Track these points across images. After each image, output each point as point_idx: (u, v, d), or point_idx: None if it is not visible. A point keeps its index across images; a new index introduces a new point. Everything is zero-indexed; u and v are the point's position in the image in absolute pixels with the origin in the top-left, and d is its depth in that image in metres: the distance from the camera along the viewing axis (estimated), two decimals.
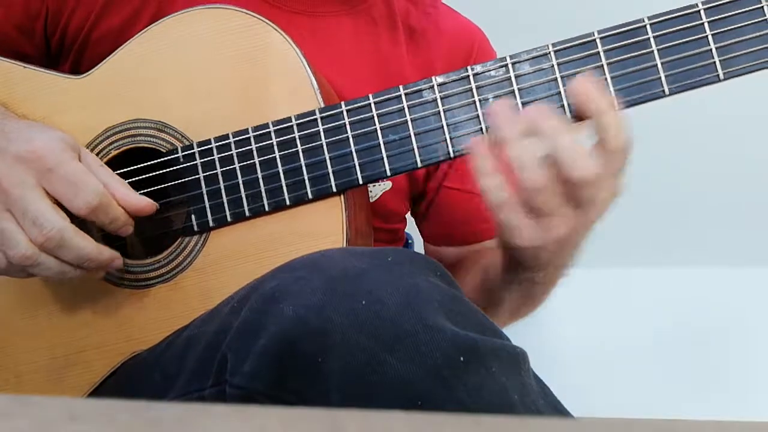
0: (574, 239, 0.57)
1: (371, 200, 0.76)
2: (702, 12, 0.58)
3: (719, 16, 0.58)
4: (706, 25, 0.58)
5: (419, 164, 0.62)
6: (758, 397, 1.32)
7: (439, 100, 0.61)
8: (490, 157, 0.55)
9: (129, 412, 0.30)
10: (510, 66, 0.60)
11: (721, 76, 0.57)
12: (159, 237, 0.69)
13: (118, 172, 0.66)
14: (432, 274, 0.52)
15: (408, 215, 0.85)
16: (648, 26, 0.58)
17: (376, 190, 0.76)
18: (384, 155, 0.62)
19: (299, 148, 0.63)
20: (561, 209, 0.54)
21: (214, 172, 0.64)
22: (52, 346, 0.66)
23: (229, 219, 0.64)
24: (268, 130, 0.64)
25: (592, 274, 1.34)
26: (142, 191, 0.66)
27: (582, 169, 0.53)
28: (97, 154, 0.67)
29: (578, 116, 0.57)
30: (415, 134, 0.61)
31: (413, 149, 0.61)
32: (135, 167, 0.66)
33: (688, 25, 0.58)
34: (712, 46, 0.57)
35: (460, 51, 0.80)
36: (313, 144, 0.63)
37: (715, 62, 0.57)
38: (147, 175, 0.66)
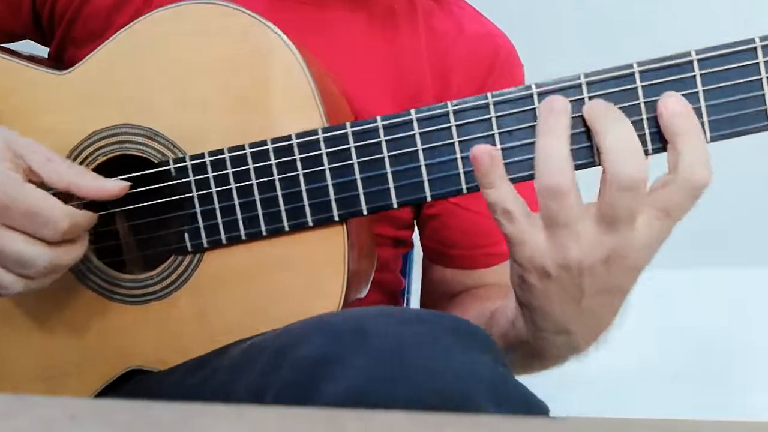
0: (591, 294, 0.51)
1: None
2: (759, 49, 0.51)
3: None
4: (762, 65, 0.51)
5: (428, 198, 0.57)
6: (758, 397, 1.32)
7: (454, 129, 0.55)
8: (499, 163, 0.51)
9: (129, 412, 0.30)
10: (536, 97, 0.54)
11: None
12: (157, 253, 0.66)
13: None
14: (476, 348, 0.48)
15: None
16: (695, 62, 0.52)
17: None
18: (391, 185, 0.57)
19: (300, 171, 0.58)
20: (581, 222, 0.48)
21: (209, 191, 0.60)
22: (48, 357, 0.65)
23: (224, 242, 0.60)
24: (266, 148, 0.58)
25: None
26: (131, 206, 0.62)
27: (633, 168, 0.46)
28: (84, 159, 0.62)
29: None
30: (426, 165, 0.56)
31: (423, 181, 0.56)
32: (123, 177, 0.61)
33: (741, 64, 0.51)
34: (767, 90, 0.51)
35: (482, 60, 0.72)
36: (315, 168, 0.58)
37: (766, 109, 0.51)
38: (138, 189, 0.61)
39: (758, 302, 1.39)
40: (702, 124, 0.51)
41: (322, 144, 0.57)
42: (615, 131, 0.49)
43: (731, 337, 1.38)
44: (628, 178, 0.47)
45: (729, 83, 0.51)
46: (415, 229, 0.81)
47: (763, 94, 0.51)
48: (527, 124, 0.54)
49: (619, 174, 0.47)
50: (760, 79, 0.51)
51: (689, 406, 1.22)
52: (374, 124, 0.56)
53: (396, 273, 0.85)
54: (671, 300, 1.37)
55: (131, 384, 0.63)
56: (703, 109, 0.51)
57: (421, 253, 0.82)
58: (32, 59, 0.65)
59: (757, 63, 0.51)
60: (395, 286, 0.85)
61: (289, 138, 0.58)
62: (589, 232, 0.49)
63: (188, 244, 0.61)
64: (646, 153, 0.51)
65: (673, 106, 0.49)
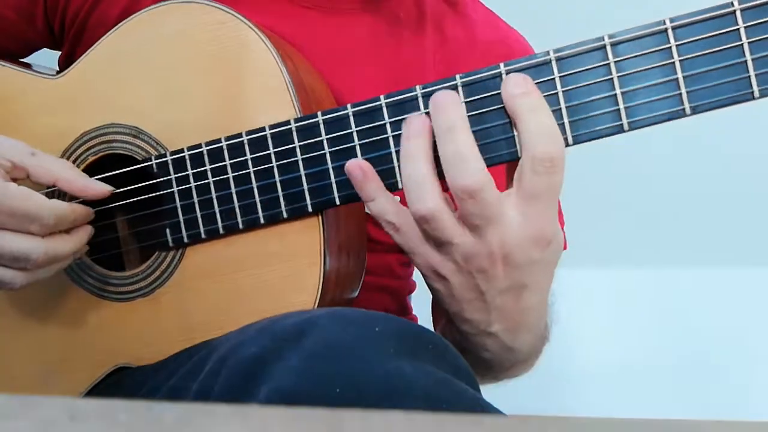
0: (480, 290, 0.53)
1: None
2: (738, 13, 0.47)
3: (760, 20, 0.47)
4: (742, 30, 0.47)
5: (399, 185, 0.55)
6: (758, 397, 1.27)
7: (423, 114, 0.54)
8: (373, 176, 0.53)
9: (129, 412, 0.30)
10: (504, 75, 0.52)
11: (756, 94, 0.47)
12: (147, 249, 0.67)
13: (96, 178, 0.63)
14: (421, 354, 0.47)
15: None
16: (670, 30, 0.49)
17: None
18: None
19: (274, 163, 0.58)
20: (455, 232, 0.50)
21: (188, 186, 0.60)
22: (40, 354, 0.66)
23: (203, 236, 0.60)
24: (241, 140, 0.58)
25: (591, 275, 1.27)
26: (116, 203, 0.63)
27: (466, 178, 0.48)
28: (75, 160, 0.64)
29: None
30: (396, 151, 0.55)
31: (394, 167, 0.55)
32: (108, 174, 0.62)
33: (720, 31, 0.48)
34: (748, 57, 0.47)
35: None
36: (289, 159, 0.57)
37: (750, 77, 0.47)
38: (123, 187, 0.62)
39: (758, 302, 1.33)
40: (680, 95, 0.48)
41: (294, 134, 0.57)
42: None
43: (731, 337, 1.32)
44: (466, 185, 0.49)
45: (707, 51, 0.48)
46: None
47: (745, 61, 0.47)
48: (497, 106, 0.52)
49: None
50: (741, 45, 0.47)
51: (689, 406, 1.17)
52: (345, 112, 0.56)
53: (404, 279, 0.83)
54: (671, 299, 1.32)
55: (105, 382, 0.63)
56: (681, 81, 0.48)
57: None
58: (25, 65, 0.68)
59: (737, 29, 0.47)
60: (403, 291, 0.83)
61: (263, 129, 0.58)
62: (466, 242, 0.50)
63: (169, 239, 0.61)
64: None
65: (510, 89, 0.49)
